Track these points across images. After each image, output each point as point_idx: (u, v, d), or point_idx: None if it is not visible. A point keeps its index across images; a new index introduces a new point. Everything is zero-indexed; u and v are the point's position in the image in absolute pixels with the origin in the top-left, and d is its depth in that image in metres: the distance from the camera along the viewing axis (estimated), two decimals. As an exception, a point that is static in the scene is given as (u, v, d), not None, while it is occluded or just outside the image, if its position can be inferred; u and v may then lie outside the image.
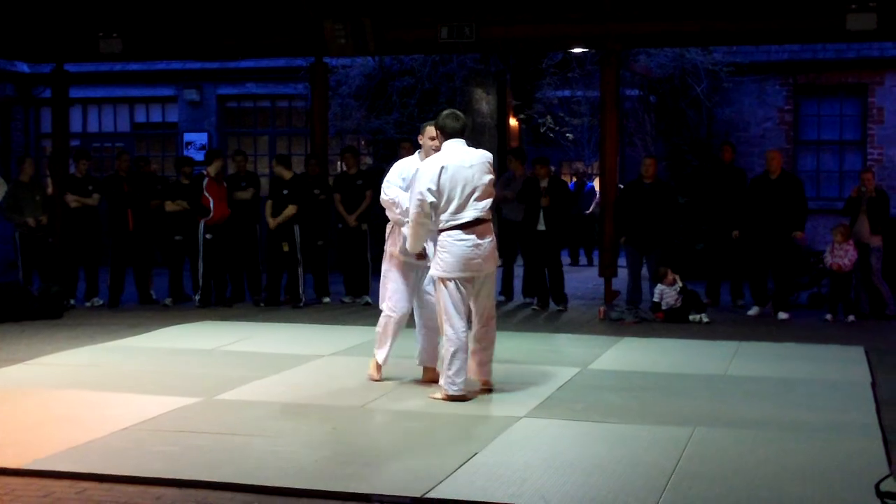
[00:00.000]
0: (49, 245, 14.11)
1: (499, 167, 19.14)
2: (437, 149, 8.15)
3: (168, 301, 14.13)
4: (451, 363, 7.89)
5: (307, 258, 14.09)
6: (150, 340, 11.09)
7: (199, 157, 19.89)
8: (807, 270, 14.14)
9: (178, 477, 5.84)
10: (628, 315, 12.63)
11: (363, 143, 19.46)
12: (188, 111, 21.05)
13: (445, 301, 7.92)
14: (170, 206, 14.05)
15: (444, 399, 7.93)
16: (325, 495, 5.60)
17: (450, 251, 7.88)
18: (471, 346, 8.13)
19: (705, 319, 12.46)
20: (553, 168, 14.87)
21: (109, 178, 14.60)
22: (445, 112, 8.17)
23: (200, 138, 20.75)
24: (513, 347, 10.52)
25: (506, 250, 14.67)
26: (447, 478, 5.84)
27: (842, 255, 12.55)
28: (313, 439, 6.80)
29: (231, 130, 21.24)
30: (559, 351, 10.49)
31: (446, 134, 8.02)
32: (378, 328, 8.62)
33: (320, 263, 14.33)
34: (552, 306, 13.56)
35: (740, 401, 8.01)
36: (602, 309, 12.96)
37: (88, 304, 14.11)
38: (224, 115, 21.21)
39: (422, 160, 8.24)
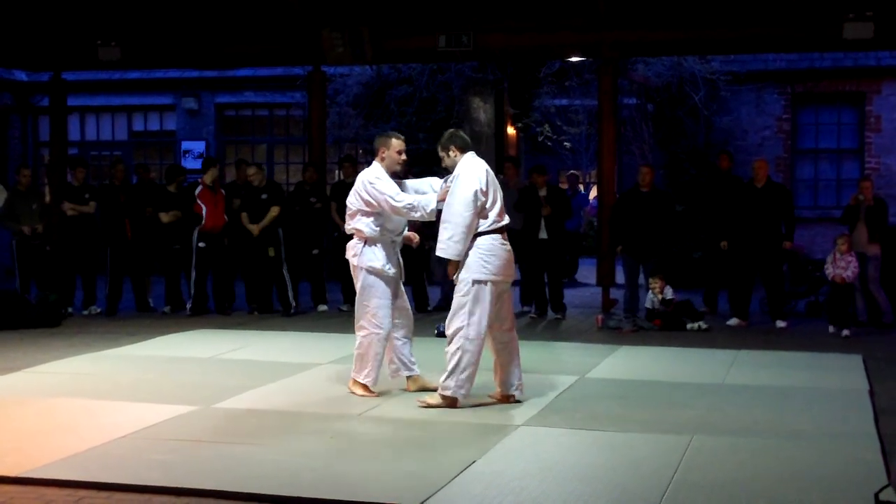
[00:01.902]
0: (46, 253, 14.09)
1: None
2: (402, 163, 8.48)
3: (167, 309, 14.13)
4: (465, 367, 7.86)
5: (303, 266, 14.11)
6: (147, 349, 11.09)
7: (197, 165, 19.92)
8: (805, 279, 14.13)
9: (175, 485, 5.83)
10: (626, 323, 12.62)
11: (361, 151, 19.46)
12: (186, 119, 21.07)
13: (475, 305, 7.86)
14: (165, 218, 14.04)
15: (442, 404, 7.90)
16: (323, 504, 5.61)
17: (495, 254, 7.93)
18: (495, 356, 8.14)
19: (703, 326, 12.47)
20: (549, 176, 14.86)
21: (105, 188, 14.61)
22: (451, 131, 8.32)
23: (198, 146, 20.76)
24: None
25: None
26: (445, 486, 5.84)
27: (844, 267, 12.42)
28: (311, 448, 6.79)
29: (229, 139, 21.26)
30: (557, 359, 10.49)
31: (461, 148, 8.12)
32: (358, 349, 8.42)
33: (316, 272, 14.34)
34: (550, 314, 13.57)
35: (738, 409, 8.02)
36: (600, 317, 12.96)
37: (86, 312, 14.10)
38: (222, 124, 21.22)
39: (381, 173, 8.33)
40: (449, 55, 14.67)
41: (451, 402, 7.90)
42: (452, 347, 7.90)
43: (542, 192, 13.50)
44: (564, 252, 14.31)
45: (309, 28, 14.12)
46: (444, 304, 14.21)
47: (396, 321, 8.50)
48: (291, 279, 13.83)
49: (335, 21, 13.91)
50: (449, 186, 8.07)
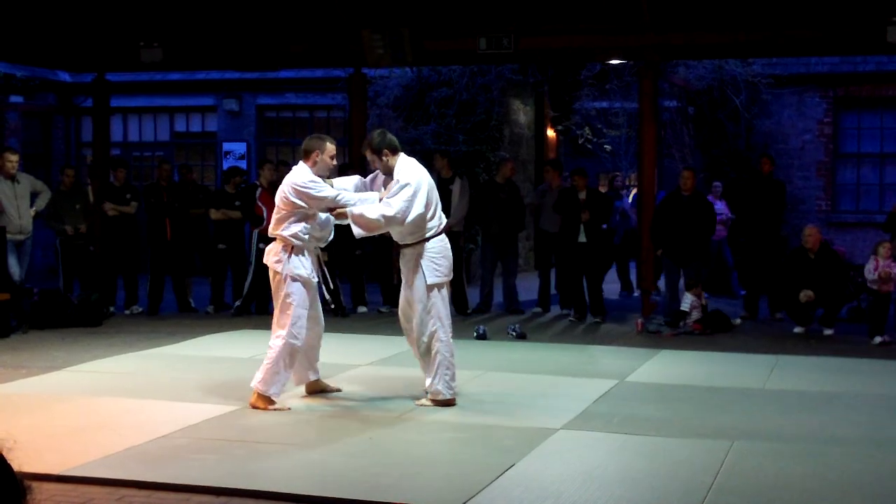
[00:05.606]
0: (90, 253, 14.21)
1: (536, 178, 19.16)
2: (333, 168, 8.37)
3: (210, 309, 14.19)
4: (448, 368, 8.12)
5: (344, 267, 14.13)
6: (188, 348, 11.16)
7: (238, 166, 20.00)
8: (847, 284, 13.95)
9: (216, 485, 5.87)
10: (665, 327, 12.57)
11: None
12: (227, 121, 21.16)
13: (439, 306, 8.14)
14: (214, 215, 14.14)
15: (441, 404, 8.08)
16: (362, 505, 5.62)
17: (444, 255, 8.20)
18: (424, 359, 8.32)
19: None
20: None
21: (149, 188, 14.72)
22: (379, 132, 8.39)
23: (239, 148, 20.85)
24: (549, 359, 10.53)
25: (542, 261, 14.68)
26: (484, 489, 5.84)
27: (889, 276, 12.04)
28: (351, 449, 6.81)
29: (270, 140, 21.34)
30: (596, 363, 10.46)
31: (393, 151, 8.22)
32: (268, 359, 8.07)
33: (357, 273, 14.36)
34: (589, 318, 13.51)
35: (779, 415, 7.97)
36: (640, 321, 12.91)
37: (128, 311, 14.20)
38: (263, 125, 21.31)
39: (312, 176, 8.13)
40: (489, 57, 14.67)
41: (445, 401, 8.12)
42: (432, 353, 8.12)
43: (582, 195, 13.45)
44: (606, 255, 14.26)
45: (349, 30, 14.15)
46: (484, 307, 14.23)
47: (313, 330, 8.41)
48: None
49: (375, 23, 13.92)
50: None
